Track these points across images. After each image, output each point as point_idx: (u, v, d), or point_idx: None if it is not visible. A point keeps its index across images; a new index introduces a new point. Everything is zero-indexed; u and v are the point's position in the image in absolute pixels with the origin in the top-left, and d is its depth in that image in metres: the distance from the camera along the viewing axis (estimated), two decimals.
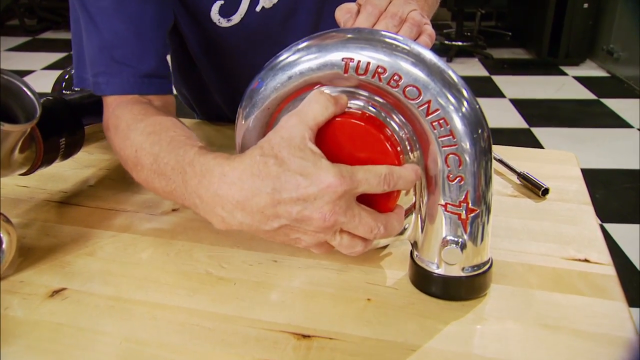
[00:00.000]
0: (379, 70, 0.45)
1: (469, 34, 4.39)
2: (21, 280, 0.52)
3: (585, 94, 3.47)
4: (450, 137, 0.45)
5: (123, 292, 0.50)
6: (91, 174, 0.71)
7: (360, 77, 0.46)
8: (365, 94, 0.48)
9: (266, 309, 0.49)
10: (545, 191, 0.66)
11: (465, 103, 0.45)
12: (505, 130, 2.88)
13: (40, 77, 3.66)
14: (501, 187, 0.69)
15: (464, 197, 0.47)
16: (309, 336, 0.45)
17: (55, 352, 0.44)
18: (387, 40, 0.46)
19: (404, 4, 0.55)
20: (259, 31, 0.76)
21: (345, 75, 0.46)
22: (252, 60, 0.76)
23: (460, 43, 4.22)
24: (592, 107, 3.26)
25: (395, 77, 0.45)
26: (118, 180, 0.70)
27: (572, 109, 3.24)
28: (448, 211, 0.47)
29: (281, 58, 0.49)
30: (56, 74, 0.82)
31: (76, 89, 0.76)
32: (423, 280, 0.51)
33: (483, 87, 3.52)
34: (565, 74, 3.84)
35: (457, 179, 0.46)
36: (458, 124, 0.45)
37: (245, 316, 0.48)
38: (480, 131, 0.46)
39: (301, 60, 0.47)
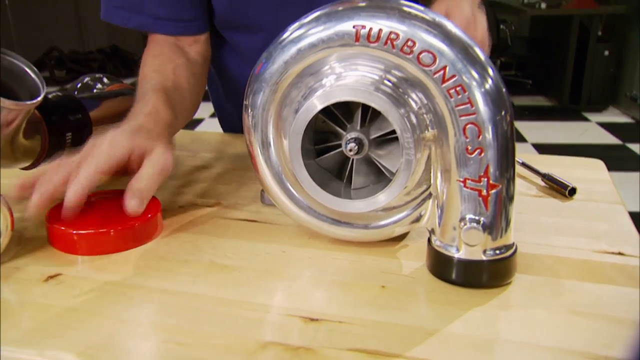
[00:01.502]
0: (392, 36, 0.43)
1: None
2: (16, 266, 0.49)
3: (610, 139, 3.42)
4: (469, 105, 0.43)
5: (121, 278, 0.47)
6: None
7: (372, 44, 0.44)
8: (381, 66, 0.46)
9: (272, 294, 0.45)
10: (572, 191, 0.63)
11: (486, 76, 0.43)
12: None
13: None
14: (524, 189, 0.65)
15: (484, 171, 0.44)
16: (317, 319, 0.42)
17: (42, 330, 0.40)
18: (401, 7, 0.44)
19: None
20: None
21: (357, 44, 0.44)
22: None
23: None
24: (617, 152, 3.20)
25: (409, 43, 0.43)
26: (125, 184, 0.68)
27: (597, 153, 3.17)
28: (467, 187, 0.44)
29: (288, 33, 0.47)
30: None
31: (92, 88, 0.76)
32: (442, 266, 0.47)
33: None
34: (588, 120, 3.81)
35: (477, 151, 0.43)
36: (477, 91, 0.42)
37: (249, 301, 0.44)
38: (503, 107, 0.43)
39: (310, 32, 0.46)
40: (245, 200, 0.62)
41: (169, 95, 0.65)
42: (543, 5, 3.91)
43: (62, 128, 0.60)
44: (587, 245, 0.52)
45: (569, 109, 3.97)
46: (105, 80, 0.78)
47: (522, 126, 3.63)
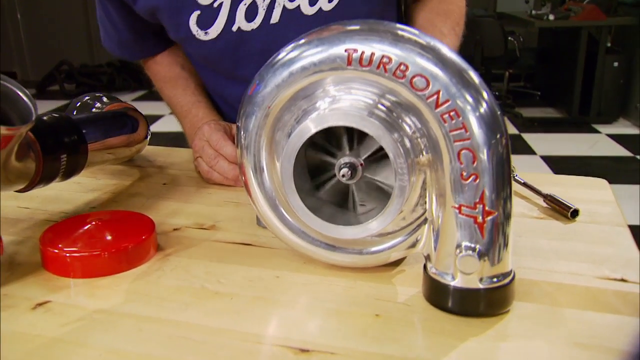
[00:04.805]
0: (384, 60, 0.42)
1: (497, 93, 4.39)
2: (5, 293, 0.48)
3: (620, 151, 3.39)
4: (463, 130, 0.42)
5: (110, 305, 0.46)
6: (95, 197, 0.69)
7: (364, 68, 0.43)
8: (376, 91, 0.45)
9: (263, 323, 0.44)
10: (575, 212, 0.61)
11: (481, 100, 0.42)
12: None
13: None
14: (526, 210, 0.64)
15: (479, 197, 0.42)
16: (308, 350, 0.41)
17: None
18: (394, 30, 0.43)
19: None
20: (238, 51, 0.79)
21: (349, 67, 0.44)
22: (238, 75, 0.83)
23: None
24: (627, 164, 3.17)
25: (402, 67, 0.42)
26: (122, 203, 0.67)
27: (607, 165, 3.16)
28: (463, 214, 0.43)
29: (281, 56, 0.46)
30: None
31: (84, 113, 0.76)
32: (437, 294, 0.46)
33: (513, 145, 3.40)
34: (597, 131, 3.77)
35: (472, 177, 0.42)
36: (471, 116, 0.41)
37: (240, 330, 0.43)
38: (498, 131, 0.42)
39: (302, 55, 0.45)
40: (241, 222, 0.61)
41: (195, 92, 0.88)
42: (551, 17, 3.89)
43: (56, 150, 0.59)
44: (588, 270, 0.51)
45: (579, 121, 3.94)
46: (104, 99, 0.78)
47: (531, 138, 3.61)
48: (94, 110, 0.76)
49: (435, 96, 0.42)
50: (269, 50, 0.78)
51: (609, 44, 3.97)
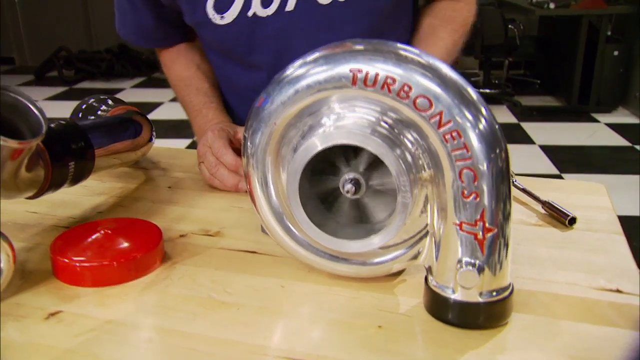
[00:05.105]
0: (388, 81, 0.43)
1: (496, 81, 4.39)
2: (18, 302, 0.50)
3: (619, 141, 3.40)
4: (464, 150, 0.43)
5: (120, 315, 0.48)
6: (102, 201, 0.70)
7: (369, 88, 0.44)
8: (378, 108, 0.46)
9: (269, 334, 0.46)
10: (572, 220, 0.63)
11: (480, 118, 0.43)
12: (535, 176, 2.81)
13: None
14: (525, 217, 0.65)
15: (480, 215, 0.44)
16: None
17: None
18: (398, 51, 0.44)
19: None
20: (252, 37, 0.80)
21: (354, 87, 0.45)
22: (251, 61, 0.84)
23: (487, 90, 4.22)
24: (625, 154, 3.18)
25: (405, 88, 0.43)
26: (129, 208, 0.69)
27: (605, 155, 3.17)
28: (463, 231, 0.44)
29: (288, 72, 0.47)
30: None
31: (91, 117, 0.77)
32: (438, 306, 0.47)
33: (511, 134, 3.47)
34: (596, 121, 3.78)
35: (473, 195, 0.43)
36: (472, 135, 0.43)
37: (246, 341, 0.44)
38: (497, 148, 0.44)
39: (309, 73, 0.46)
40: (246, 229, 0.62)
41: (207, 93, 0.89)
42: (551, 5, 3.88)
43: (65, 157, 0.60)
44: (584, 281, 0.52)
45: (578, 110, 3.95)
46: (109, 102, 0.79)
47: (530, 127, 3.62)
48: (99, 113, 0.77)
49: (437, 117, 0.43)
50: (283, 37, 0.80)
51: (609, 33, 3.96)
